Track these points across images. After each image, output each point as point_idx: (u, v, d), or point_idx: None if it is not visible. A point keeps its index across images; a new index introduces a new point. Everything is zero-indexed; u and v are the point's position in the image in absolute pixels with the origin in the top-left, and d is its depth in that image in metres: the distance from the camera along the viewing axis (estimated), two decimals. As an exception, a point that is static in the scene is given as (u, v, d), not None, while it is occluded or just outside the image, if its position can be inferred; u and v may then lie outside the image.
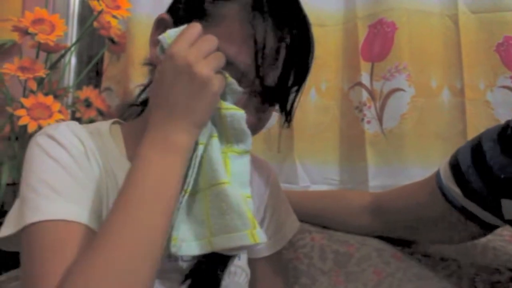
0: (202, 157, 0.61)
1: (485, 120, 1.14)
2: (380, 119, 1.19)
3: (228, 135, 0.62)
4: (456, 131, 1.16)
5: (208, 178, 0.60)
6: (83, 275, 0.50)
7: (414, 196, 0.88)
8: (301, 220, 0.92)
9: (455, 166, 0.79)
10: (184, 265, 0.67)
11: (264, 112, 0.69)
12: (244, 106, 0.62)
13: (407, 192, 0.91)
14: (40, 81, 1.12)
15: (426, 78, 1.18)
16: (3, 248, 0.62)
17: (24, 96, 1.11)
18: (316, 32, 0.68)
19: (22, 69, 1.08)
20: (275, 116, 0.73)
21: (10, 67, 1.08)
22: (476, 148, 0.77)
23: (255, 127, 0.68)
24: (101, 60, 1.41)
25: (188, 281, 0.66)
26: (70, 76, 1.41)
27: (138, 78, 1.29)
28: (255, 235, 0.57)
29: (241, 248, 0.59)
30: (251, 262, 0.78)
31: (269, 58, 0.62)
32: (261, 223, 0.82)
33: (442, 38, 1.18)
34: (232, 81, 0.61)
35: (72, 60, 1.40)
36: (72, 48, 1.21)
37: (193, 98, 0.57)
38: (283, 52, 0.63)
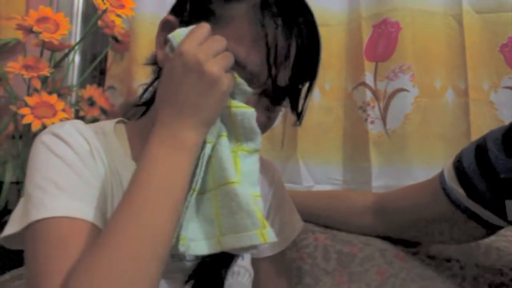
0: (211, 156, 0.61)
1: (489, 121, 1.14)
2: (383, 119, 1.19)
3: (238, 133, 0.62)
4: (460, 132, 1.16)
5: (217, 177, 0.60)
6: (88, 273, 0.50)
7: (418, 197, 0.88)
8: (305, 220, 0.92)
9: (459, 167, 0.79)
10: (188, 265, 0.67)
11: (273, 112, 0.69)
12: (254, 106, 0.62)
13: (411, 193, 0.91)
14: (44, 80, 1.12)
15: (430, 78, 1.18)
16: (8, 246, 0.62)
17: (28, 94, 1.11)
18: (320, 31, 0.68)
19: (26, 67, 1.08)
20: (279, 115, 0.73)
21: (14, 66, 1.08)
22: (480, 149, 0.77)
23: (265, 126, 0.67)
24: (104, 59, 1.41)
25: (192, 281, 0.66)
26: (74, 74, 1.41)
27: (141, 76, 1.29)
28: (265, 235, 0.56)
29: (250, 248, 0.58)
30: (255, 262, 0.78)
31: (280, 58, 0.62)
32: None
33: (446, 39, 1.19)
34: (241, 81, 0.61)
35: (76, 59, 1.39)
36: (76, 47, 1.21)
37: (202, 96, 0.57)
38: (293, 52, 0.64)
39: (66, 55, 1.19)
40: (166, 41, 0.62)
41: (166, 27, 0.67)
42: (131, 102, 0.85)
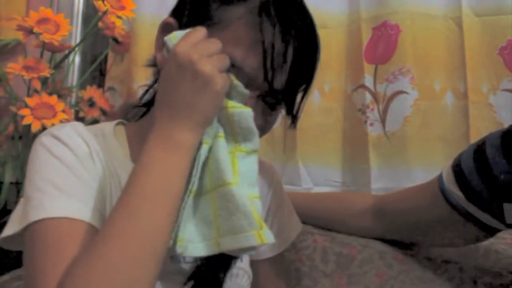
0: (208, 157, 0.61)
1: (488, 123, 1.14)
2: (383, 122, 1.19)
3: (236, 134, 0.62)
4: (459, 134, 1.16)
5: (214, 179, 0.60)
6: (84, 274, 0.50)
7: (417, 199, 0.88)
8: (304, 222, 0.92)
9: (457, 169, 0.79)
10: (187, 266, 0.67)
11: (271, 115, 0.69)
12: (252, 109, 0.62)
13: (410, 195, 0.91)
14: (44, 81, 1.12)
15: (430, 81, 1.18)
16: (7, 247, 0.62)
17: (28, 95, 1.11)
18: (320, 34, 0.68)
19: (27, 68, 1.08)
20: (278, 118, 0.73)
21: (14, 67, 1.09)
22: (479, 151, 0.77)
23: (263, 129, 0.67)
24: (104, 60, 1.41)
25: (190, 283, 0.66)
26: (74, 75, 1.41)
27: (141, 78, 1.29)
28: (262, 236, 0.56)
29: (249, 249, 0.58)
30: (253, 264, 0.78)
31: (276, 61, 0.62)
32: (264, 225, 0.82)
33: (445, 41, 1.19)
34: (238, 83, 0.61)
35: (76, 60, 1.40)
36: (76, 48, 1.22)
37: (196, 95, 0.57)
38: (290, 56, 0.63)
39: (66, 56, 1.19)
40: (165, 44, 0.63)
41: (165, 30, 0.67)
42: (131, 104, 0.85)
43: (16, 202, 0.63)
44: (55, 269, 0.52)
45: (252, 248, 0.58)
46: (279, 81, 0.64)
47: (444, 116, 1.18)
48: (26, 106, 1.05)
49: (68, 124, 0.66)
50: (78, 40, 1.41)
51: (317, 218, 1.00)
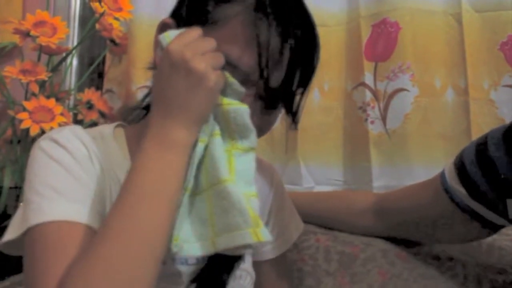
0: (204, 156, 0.60)
1: (489, 119, 1.14)
2: (383, 119, 1.18)
3: (232, 131, 0.62)
4: (460, 131, 1.16)
5: (210, 177, 0.60)
6: (83, 274, 0.50)
7: (419, 197, 0.88)
8: (306, 221, 0.92)
9: (460, 166, 0.79)
10: (189, 269, 0.67)
11: (270, 114, 0.68)
12: (250, 109, 0.62)
13: (412, 193, 0.91)
14: (42, 84, 1.12)
15: (430, 77, 1.18)
16: (7, 252, 0.62)
17: (26, 99, 1.10)
18: (319, 32, 0.68)
19: (24, 72, 1.08)
20: (279, 117, 0.72)
21: (11, 70, 1.08)
22: (481, 148, 0.77)
23: (261, 129, 0.67)
24: (102, 62, 1.40)
25: (194, 285, 0.66)
26: (71, 78, 1.41)
27: (139, 79, 1.29)
28: (259, 234, 0.56)
29: (245, 247, 0.58)
30: (256, 265, 0.78)
31: (272, 59, 0.62)
32: (266, 226, 0.81)
33: (445, 38, 1.19)
34: (233, 81, 0.61)
35: (73, 62, 1.39)
36: (74, 51, 1.21)
37: (190, 93, 0.57)
38: (287, 53, 0.63)
39: (64, 59, 1.19)
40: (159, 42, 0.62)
41: (163, 30, 0.67)
42: (130, 106, 0.85)
43: (15, 207, 0.63)
44: (55, 270, 0.52)
45: (248, 246, 0.57)
46: (276, 78, 0.63)
47: (444, 112, 1.18)
48: (24, 109, 1.05)
49: (67, 128, 0.66)
50: (75, 43, 1.41)
51: (319, 217, 1.00)
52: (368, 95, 1.20)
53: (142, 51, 1.28)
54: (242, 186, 0.60)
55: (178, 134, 0.57)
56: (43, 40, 1.07)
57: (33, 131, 1.03)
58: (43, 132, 1.02)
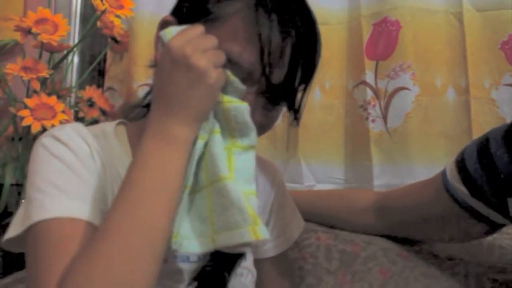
0: (204, 153, 0.60)
1: (490, 118, 1.14)
2: (384, 118, 1.18)
3: (232, 129, 0.61)
4: (461, 130, 1.16)
5: (210, 174, 0.60)
6: (84, 271, 0.50)
7: (420, 195, 0.88)
8: (307, 220, 0.92)
9: (461, 165, 0.79)
10: (191, 266, 0.67)
11: (272, 112, 0.68)
12: (251, 106, 0.62)
13: (413, 191, 0.91)
14: (43, 81, 1.12)
15: (431, 76, 1.18)
16: (10, 249, 0.62)
17: (27, 96, 1.10)
18: (320, 30, 0.68)
19: (25, 69, 1.08)
20: (279, 115, 0.72)
21: (13, 67, 1.08)
22: (483, 147, 0.77)
23: (263, 126, 0.67)
24: (103, 60, 1.40)
25: (195, 283, 0.66)
26: (73, 76, 1.41)
27: (141, 77, 1.29)
28: (257, 232, 0.56)
29: (244, 245, 0.58)
30: (257, 262, 0.78)
31: (274, 56, 0.62)
32: (267, 224, 0.82)
33: (446, 37, 1.19)
34: (235, 79, 0.61)
35: (75, 60, 1.39)
36: (75, 48, 1.21)
37: (190, 89, 0.57)
38: (288, 50, 0.63)
39: (65, 56, 1.19)
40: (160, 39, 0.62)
41: (164, 28, 0.67)
42: (131, 103, 0.85)
43: (17, 204, 0.63)
44: (57, 267, 0.52)
45: (247, 244, 0.57)
46: (277, 75, 0.63)
47: (445, 111, 1.18)
48: (26, 107, 1.05)
49: (68, 125, 0.66)
50: (76, 40, 1.41)
51: (320, 215, 1.00)
52: (369, 93, 1.20)
53: (143, 49, 1.28)
54: (242, 184, 0.60)
55: (178, 130, 0.57)
56: (44, 38, 1.07)
57: (35, 129, 1.03)
58: (44, 129, 1.02)
